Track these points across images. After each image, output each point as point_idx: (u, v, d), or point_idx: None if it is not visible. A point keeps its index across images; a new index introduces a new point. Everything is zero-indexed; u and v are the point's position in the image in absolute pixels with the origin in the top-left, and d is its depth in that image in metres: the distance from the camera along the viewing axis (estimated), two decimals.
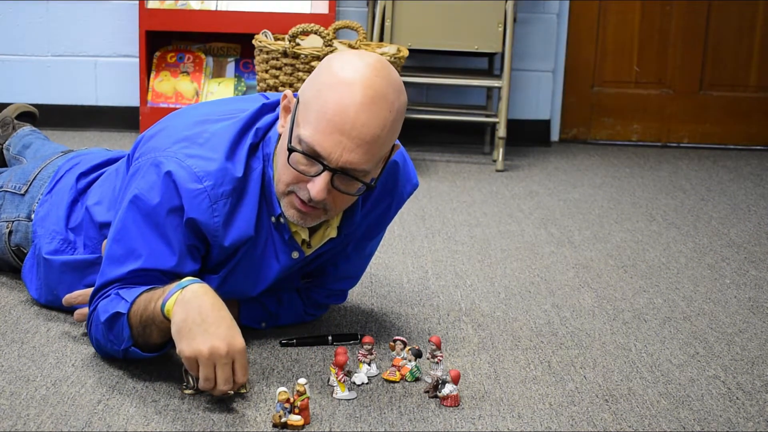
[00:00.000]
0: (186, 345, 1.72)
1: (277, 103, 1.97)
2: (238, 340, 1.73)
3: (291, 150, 1.79)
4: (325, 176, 1.79)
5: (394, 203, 2.08)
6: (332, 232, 2.00)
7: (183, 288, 1.75)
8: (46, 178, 2.30)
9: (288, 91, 1.87)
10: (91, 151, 2.39)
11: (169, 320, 1.75)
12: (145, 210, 1.86)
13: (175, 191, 1.84)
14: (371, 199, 2.04)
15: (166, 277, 1.86)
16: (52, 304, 2.20)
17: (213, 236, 1.88)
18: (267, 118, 1.94)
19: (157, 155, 1.88)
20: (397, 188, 2.07)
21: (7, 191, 2.32)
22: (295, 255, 1.97)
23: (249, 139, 1.90)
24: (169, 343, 1.82)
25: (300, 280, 2.13)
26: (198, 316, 1.72)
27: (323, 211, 1.86)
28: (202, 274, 1.94)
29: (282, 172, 1.85)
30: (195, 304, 1.73)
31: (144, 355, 1.86)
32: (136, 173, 1.91)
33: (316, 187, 1.79)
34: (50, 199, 2.24)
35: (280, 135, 1.89)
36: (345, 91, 1.75)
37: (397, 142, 1.90)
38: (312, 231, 1.99)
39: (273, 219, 1.93)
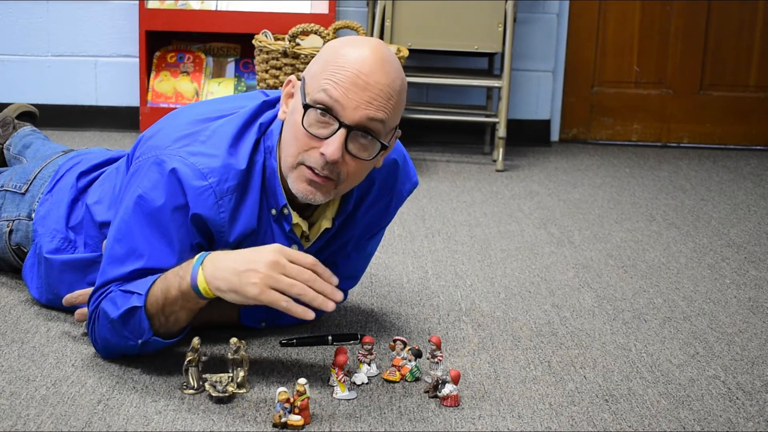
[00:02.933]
0: (252, 288, 1.74)
1: (277, 100, 1.98)
2: (268, 256, 1.74)
3: (307, 107, 1.80)
4: (340, 134, 1.79)
5: (393, 201, 2.08)
6: (327, 223, 2.00)
7: (201, 265, 1.78)
8: (46, 177, 2.30)
9: (292, 77, 1.90)
10: (92, 150, 2.40)
11: (206, 298, 1.78)
12: (149, 209, 1.86)
13: (180, 189, 1.84)
14: (370, 197, 2.04)
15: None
16: (52, 303, 2.20)
17: (219, 232, 1.88)
18: (268, 114, 1.94)
19: (159, 153, 1.88)
20: (396, 186, 2.07)
21: (7, 190, 2.32)
22: (294, 249, 1.97)
23: (253, 134, 1.90)
24: (189, 324, 1.88)
25: None
26: (234, 268, 1.75)
27: (334, 182, 1.85)
28: None
29: (291, 144, 1.84)
30: (224, 265, 1.77)
31: (166, 342, 1.88)
32: (137, 172, 1.91)
33: (332, 146, 1.79)
34: (51, 198, 2.24)
35: (283, 122, 1.90)
36: (357, 52, 1.80)
37: (398, 130, 1.92)
38: (310, 224, 2.00)
39: (273, 212, 1.93)
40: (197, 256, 1.82)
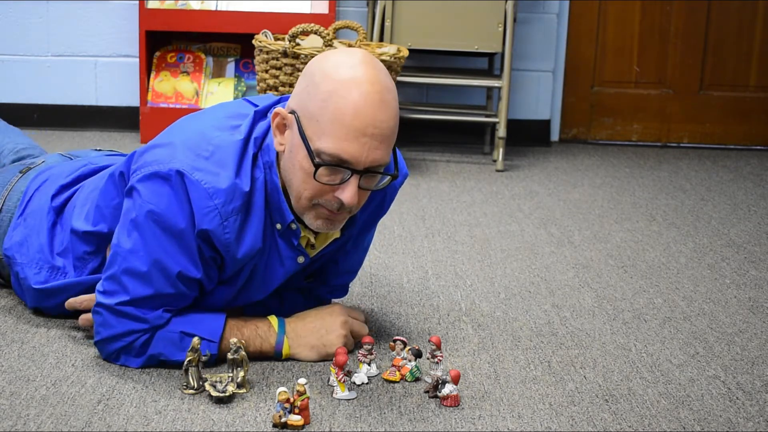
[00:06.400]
0: (332, 349, 1.98)
1: (266, 109, 1.96)
2: (338, 318, 2.02)
3: (318, 165, 1.79)
4: (354, 180, 1.80)
5: (388, 196, 2.08)
6: (336, 233, 2.00)
7: (285, 335, 1.99)
8: (12, 208, 2.24)
9: (278, 108, 1.86)
10: (52, 165, 2.33)
11: (285, 359, 2.00)
12: (162, 224, 1.85)
13: (188, 205, 1.84)
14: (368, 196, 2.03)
15: (193, 290, 1.91)
16: (50, 311, 2.17)
17: (225, 249, 1.88)
18: (261, 126, 1.92)
19: (162, 167, 1.85)
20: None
21: None
22: (301, 260, 1.97)
23: (250, 150, 1.89)
24: None
25: (303, 281, 2.13)
26: (316, 335, 2.00)
27: (348, 212, 1.88)
28: (217, 287, 1.96)
29: (302, 188, 1.84)
30: (305, 332, 2.00)
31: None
32: (142, 186, 1.87)
33: (349, 193, 1.81)
34: (23, 222, 2.19)
35: (278, 153, 1.88)
36: (355, 93, 1.76)
37: None
38: (316, 233, 1.99)
39: (279, 226, 1.92)
40: (276, 324, 1.99)
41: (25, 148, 2.56)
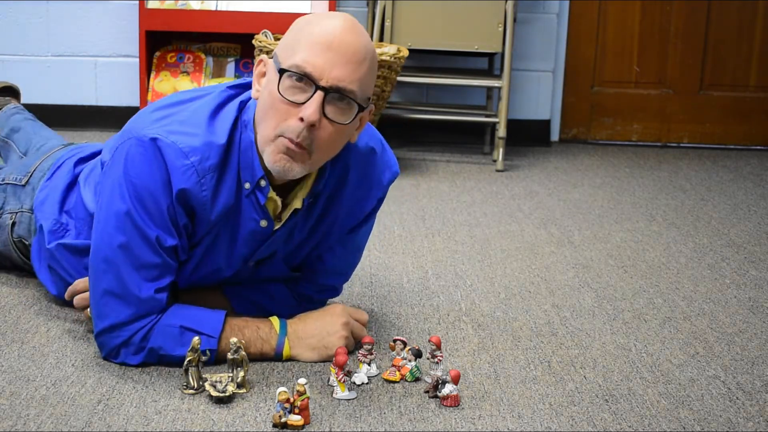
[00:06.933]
0: (332, 351, 1.98)
1: (247, 85, 1.99)
2: (340, 319, 2.03)
3: (282, 71, 1.81)
4: (317, 96, 1.81)
5: (374, 190, 2.07)
6: (297, 203, 1.98)
7: (287, 336, 2.00)
8: (45, 169, 2.33)
9: (263, 56, 1.91)
10: (94, 144, 2.42)
11: (286, 360, 2.01)
12: (141, 194, 1.86)
13: (164, 168, 1.85)
14: (349, 185, 2.03)
15: (173, 259, 1.91)
16: (50, 288, 2.22)
17: (202, 208, 1.88)
18: (247, 93, 1.96)
19: (137, 134, 1.88)
20: (375, 175, 2.06)
21: (8, 183, 2.35)
22: (264, 224, 1.96)
23: (233, 111, 1.92)
24: None
25: (289, 272, 2.12)
26: (317, 336, 2.01)
27: (308, 154, 1.85)
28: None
29: (268, 117, 1.85)
30: (306, 335, 2.01)
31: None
32: (119, 157, 1.90)
33: (310, 108, 1.81)
34: (49, 184, 2.27)
35: (257, 106, 1.91)
36: (328, 21, 1.85)
37: (372, 105, 1.92)
38: (284, 205, 1.98)
39: (247, 185, 1.92)
40: (278, 325, 2.01)
41: (72, 143, 2.61)
